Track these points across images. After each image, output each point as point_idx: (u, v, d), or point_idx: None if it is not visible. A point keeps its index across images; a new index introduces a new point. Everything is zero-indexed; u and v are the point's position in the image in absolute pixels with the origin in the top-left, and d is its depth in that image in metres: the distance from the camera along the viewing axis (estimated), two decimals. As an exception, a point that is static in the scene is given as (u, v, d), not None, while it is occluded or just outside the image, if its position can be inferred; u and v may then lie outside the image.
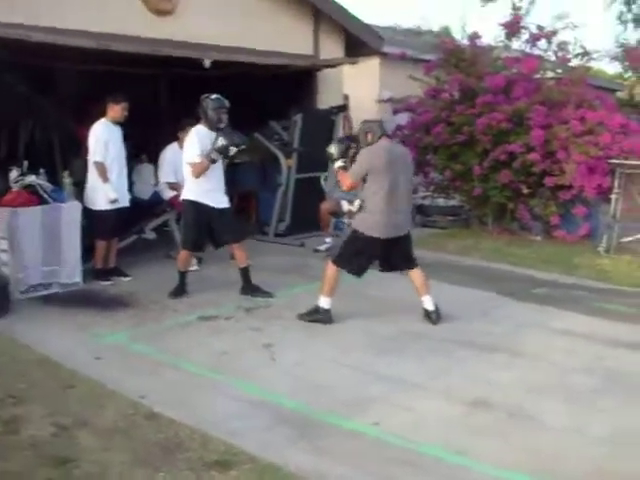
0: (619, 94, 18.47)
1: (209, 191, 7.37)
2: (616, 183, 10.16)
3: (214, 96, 7.37)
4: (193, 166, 7.26)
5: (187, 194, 7.42)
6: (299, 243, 10.40)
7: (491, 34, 19.23)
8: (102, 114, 7.95)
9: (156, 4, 9.42)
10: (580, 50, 11.63)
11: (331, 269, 6.82)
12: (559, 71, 11.86)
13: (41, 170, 7.75)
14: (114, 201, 7.84)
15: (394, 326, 6.79)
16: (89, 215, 7.85)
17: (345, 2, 11.73)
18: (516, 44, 11.83)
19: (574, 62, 11.60)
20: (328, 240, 10.08)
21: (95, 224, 7.95)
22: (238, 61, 9.74)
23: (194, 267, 8.35)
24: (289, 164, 10.91)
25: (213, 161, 7.23)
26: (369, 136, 6.82)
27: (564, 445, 4.57)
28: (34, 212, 7.26)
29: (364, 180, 6.74)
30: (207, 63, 8.94)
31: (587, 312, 7.37)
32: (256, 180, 11.64)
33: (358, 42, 12.19)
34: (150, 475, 3.99)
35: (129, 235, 8.83)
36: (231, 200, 7.85)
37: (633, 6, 22.96)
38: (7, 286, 6.92)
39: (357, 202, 6.85)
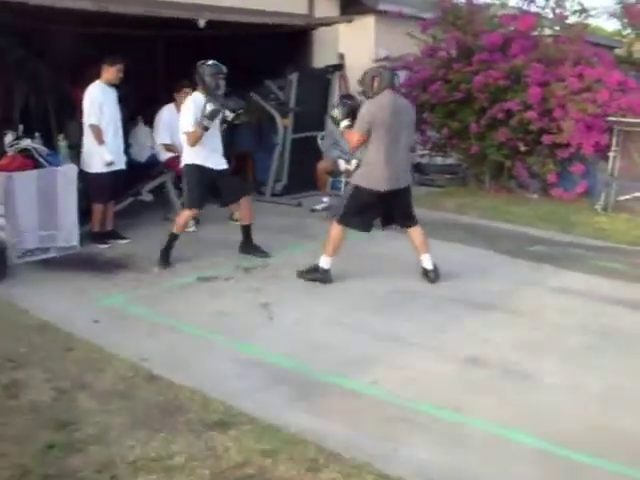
0: (617, 51, 18.27)
1: (208, 156, 7.34)
2: (614, 141, 10.13)
3: (211, 62, 7.29)
4: (187, 135, 7.22)
5: (187, 159, 7.39)
6: (296, 203, 10.38)
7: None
8: (97, 76, 7.89)
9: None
10: (578, 7, 11.55)
11: (336, 229, 6.79)
12: (557, 28, 11.76)
13: (36, 134, 7.71)
14: (110, 164, 7.81)
15: (392, 285, 6.81)
16: (85, 178, 7.82)
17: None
18: (513, 1, 11.76)
19: (572, 19, 11.51)
20: (325, 199, 10.07)
21: (91, 187, 7.92)
22: (233, 21, 9.65)
23: (192, 228, 8.37)
24: (285, 124, 10.85)
25: (206, 128, 7.16)
26: (376, 82, 6.65)
27: (558, 402, 4.62)
28: (30, 176, 7.23)
29: (369, 135, 6.63)
30: (201, 23, 8.85)
31: (584, 270, 7.39)
32: (252, 140, 11.57)
33: (353, 0, 12.07)
34: (150, 437, 4.02)
35: (125, 197, 8.80)
36: (229, 161, 7.82)
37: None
38: (4, 251, 6.91)
39: (354, 161, 6.84)
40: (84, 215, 7.82)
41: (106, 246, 7.98)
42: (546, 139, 10.40)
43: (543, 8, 11.53)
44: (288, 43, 11.12)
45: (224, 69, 7.33)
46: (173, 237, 7.41)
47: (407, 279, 6.92)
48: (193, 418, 4.25)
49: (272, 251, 7.74)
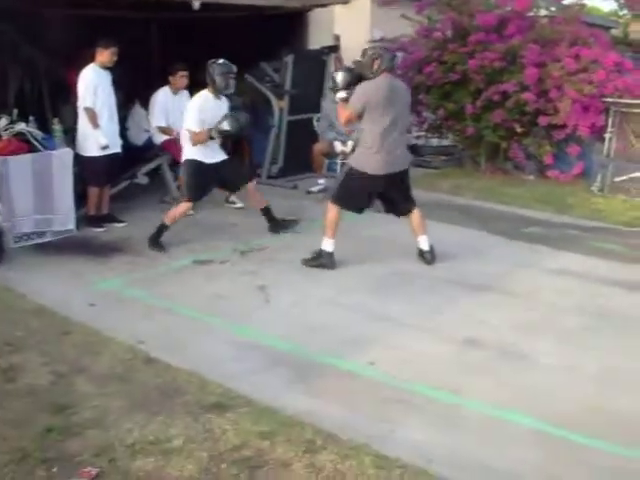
0: (614, 32, 18.27)
1: (207, 151, 7.38)
2: (610, 122, 10.10)
3: (221, 61, 7.33)
4: (191, 134, 7.26)
5: (187, 154, 7.41)
6: (292, 185, 10.36)
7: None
8: (91, 59, 7.85)
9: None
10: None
11: (332, 211, 6.77)
12: (553, 9, 11.71)
13: (31, 117, 7.66)
14: (105, 147, 7.78)
15: (388, 266, 6.82)
16: (80, 162, 7.79)
17: (335, -60, 11.50)
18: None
19: (568, 0, 11.45)
20: (321, 181, 10.06)
21: (87, 171, 7.88)
22: (227, 3, 9.59)
23: (190, 211, 8.35)
24: (281, 106, 10.81)
25: (211, 138, 7.25)
26: (376, 64, 6.60)
27: (555, 383, 4.65)
28: (24, 160, 7.19)
29: (360, 116, 6.62)
30: (196, 5, 8.80)
31: (580, 251, 7.41)
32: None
33: (349, -19, 11.98)
34: (148, 419, 4.04)
35: (121, 181, 8.77)
36: (225, 144, 7.82)
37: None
38: (0, 235, 6.90)
39: (350, 143, 6.80)
40: (80, 199, 7.79)
41: (102, 229, 7.96)
42: (542, 120, 10.36)
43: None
44: (283, 25, 11.06)
45: (234, 68, 7.41)
46: (164, 227, 7.37)
47: (404, 261, 6.92)
48: (191, 400, 4.26)
49: (268, 234, 7.76)
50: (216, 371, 4.64)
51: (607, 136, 10.18)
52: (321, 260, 6.79)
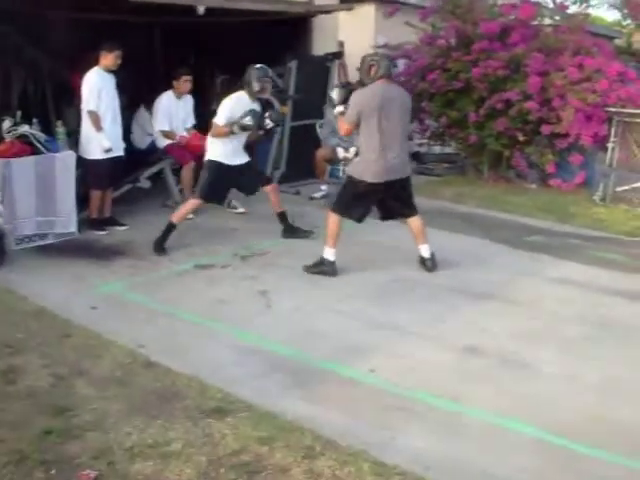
0: (617, 42, 18.28)
1: (231, 153, 7.45)
2: (613, 131, 10.11)
3: (258, 65, 7.44)
4: (215, 126, 7.34)
5: (211, 154, 7.46)
6: (294, 191, 10.35)
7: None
8: (95, 63, 7.85)
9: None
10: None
11: (332, 219, 6.75)
12: (557, 18, 11.72)
13: (34, 120, 7.68)
14: (108, 150, 7.79)
15: (390, 273, 6.81)
16: (83, 164, 7.80)
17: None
18: (513, -10, 11.68)
19: (572, 9, 11.48)
20: (324, 187, 10.06)
21: (89, 173, 7.89)
22: (232, 8, 9.60)
23: (190, 215, 8.34)
24: (284, 111, 10.81)
25: (232, 132, 7.29)
26: (372, 70, 6.60)
27: (557, 392, 4.63)
28: (27, 162, 7.20)
29: (357, 125, 6.60)
30: (201, 10, 8.81)
31: (582, 260, 7.39)
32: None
33: (353, -12, 12.03)
34: (147, 423, 4.02)
35: (124, 184, 8.78)
36: (248, 147, 7.88)
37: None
38: (2, 237, 6.89)
39: (353, 149, 6.80)
40: (82, 201, 7.80)
41: (104, 233, 7.96)
42: (545, 129, 10.37)
43: (544, -3, 11.49)
44: (288, 30, 11.08)
45: (270, 72, 7.59)
46: (172, 227, 7.40)
47: (406, 268, 6.91)
48: (190, 405, 4.25)
49: (269, 239, 7.76)
50: (216, 376, 4.63)
51: (610, 146, 10.19)
52: (322, 267, 6.77)
